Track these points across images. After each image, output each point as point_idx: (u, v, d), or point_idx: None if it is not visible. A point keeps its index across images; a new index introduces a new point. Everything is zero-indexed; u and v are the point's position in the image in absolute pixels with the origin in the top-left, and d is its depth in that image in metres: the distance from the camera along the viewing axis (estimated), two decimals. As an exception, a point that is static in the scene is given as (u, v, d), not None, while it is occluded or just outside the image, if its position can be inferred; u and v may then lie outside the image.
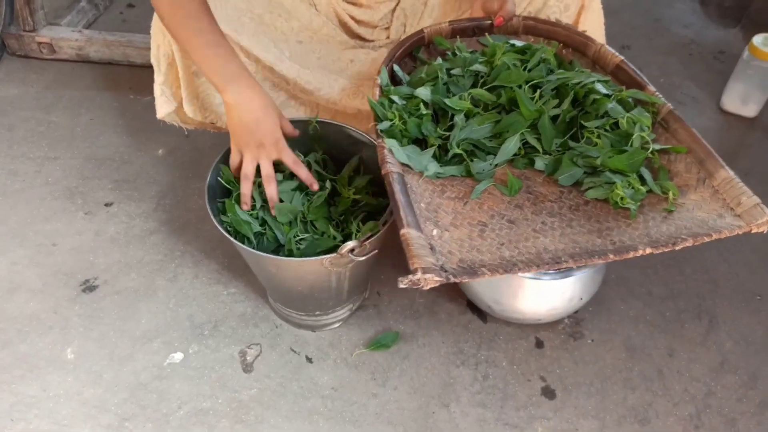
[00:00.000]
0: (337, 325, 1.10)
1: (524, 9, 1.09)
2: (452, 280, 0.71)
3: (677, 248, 0.77)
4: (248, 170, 0.93)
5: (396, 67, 0.98)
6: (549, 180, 0.88)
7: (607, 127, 0.88)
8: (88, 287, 1.14)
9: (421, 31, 1.03)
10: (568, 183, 0.87)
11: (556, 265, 0.76)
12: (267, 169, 0.94)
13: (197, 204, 1.29)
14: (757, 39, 1.48)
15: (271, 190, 0.94)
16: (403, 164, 0.85)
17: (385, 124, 0.86)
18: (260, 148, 0.93)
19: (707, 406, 1.02)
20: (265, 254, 0.93)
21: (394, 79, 0.97)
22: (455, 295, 1.15)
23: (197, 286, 1.15)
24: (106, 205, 1.29)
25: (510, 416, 0.99)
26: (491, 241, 0.79)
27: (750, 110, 1.56)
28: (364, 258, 0.88)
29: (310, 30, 1.13)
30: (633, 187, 0.83)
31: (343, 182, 1.04)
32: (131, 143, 1.43)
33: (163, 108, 1.10)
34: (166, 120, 1.14)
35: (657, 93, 0.93)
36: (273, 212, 0.96)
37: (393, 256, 1.20)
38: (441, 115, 0.91)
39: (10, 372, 1.02)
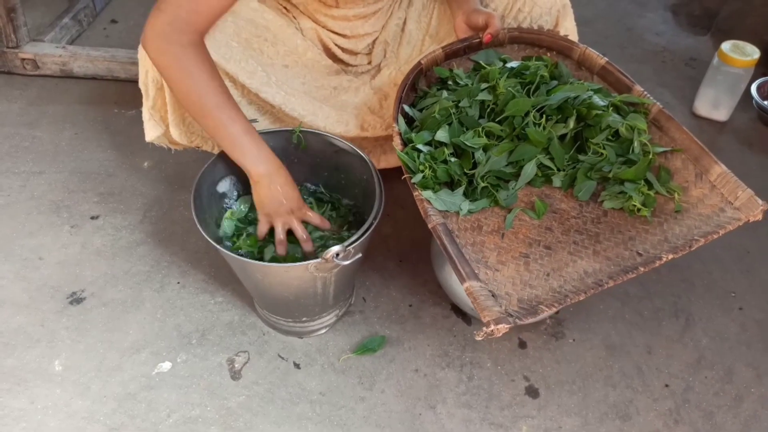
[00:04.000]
0: (323, 331, 1.11)
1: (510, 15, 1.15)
2: (519, 323, 0.77)
3: (693, 249, 0.84)
4: (282, 236, 1.03)
5: (407, 108, 1.02)
6: (567, 195, 0.96)
7: (610, 136, 0.95)
8: (75, 300, 1.15)
9: (419, 63, 1.07)
10: (586, 198, 0.95)
11: (599, 288, 0.82)
12: (301, 233, 1.03)
13: (183, 215, 1.31)
14: (726, 45, 1.53)
15: (309, 246, 1.04)
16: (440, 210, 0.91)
17: (419, 177, 0.91)
18: (290, 215, 1.02)
19: (686, 401, 1.05)
20: (250, 261, 0.95)
21: (405, 117, 1.01)
22: (439, 299, 1.17)
23: (184, 295, 1.16)
24: (92, 218, 1.30)
25: (495, 416, 1.02)
26: (537, 273, 0.86)
27: (721, 114, 1.61)
28: (348, 262, 0.90)
29: (296, 54, 1.16)
30: (644, 194, 0.90)
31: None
32: (116, 157, 1.44)
33: (152, 132, 1.12)
34: (155, 142, 1.16)
35: (645, 93, 1.00)
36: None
37: (378, 262, 1.23)
38: (459, 149, 0.97)
39: (-2, 385, 1.02)
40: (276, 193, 0.99)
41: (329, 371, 1.06)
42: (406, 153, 0.93)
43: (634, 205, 0.90)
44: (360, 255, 0.93)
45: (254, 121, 1.11)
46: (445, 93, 1.02)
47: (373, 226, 0.95)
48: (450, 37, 1.18)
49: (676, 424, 1.02)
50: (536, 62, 1.05)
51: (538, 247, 0.89)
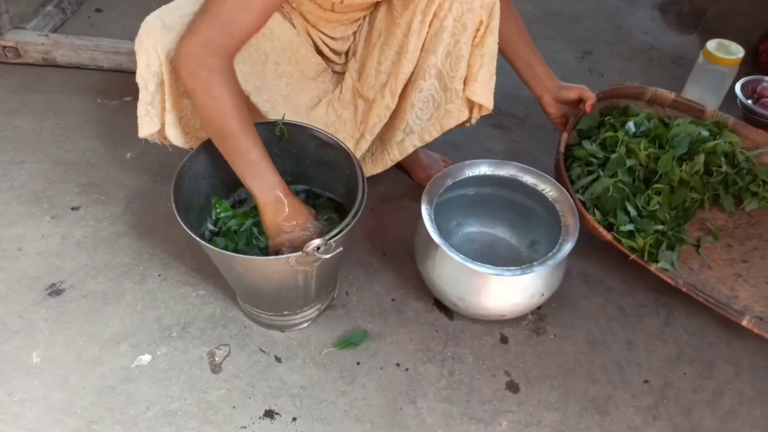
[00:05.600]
0: (305, 324, 1.11)
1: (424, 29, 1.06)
2: None
3: None
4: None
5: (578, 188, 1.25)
6: (712, 212, 1.30)
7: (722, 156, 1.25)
8: (55, 291, 1.14)
9: (558, 151, 1.20)
10: (731, 208, 1.28)
11: None
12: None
13: (165, 207, 1.29)
14: (711, 44, 1.54)
15: None
16: None
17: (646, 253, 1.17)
18: (296, 245, 0.99)
19: (665, 397, 1.06)
20: (232, 254, 0.94)
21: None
22: (422, 294, 1.17)
23: (165, 288, 1.16)
24: (73, 209, 1.28)
25: (475, 411, 1.02)
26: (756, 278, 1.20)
27: (706, 113, 1.62)
28: (329, 256, 0.90)
29: (290, 50, 1.16)
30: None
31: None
32: (98, 147, 1.43)
33: (146, 129, 1.07)
34: (148, 139, 1.12)
35: (716, 111, 1.33)
36: None
37: (361, 256, 1.23)
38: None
39: (-26, 377, 1.01)
40: (280, 225, 1.00)
41: (310, 365, 1.06)
42: (621, 238, 1.14)
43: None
44: (341, 249, 0.92)
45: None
46: (595, 162, 1.23)
47: (355, 220, 0.94)
48: (398, 39, 1.11)
49: (654, 419, 1.02)
50: (650, 122, 1.27)
51: (739, 264, 1.22)
